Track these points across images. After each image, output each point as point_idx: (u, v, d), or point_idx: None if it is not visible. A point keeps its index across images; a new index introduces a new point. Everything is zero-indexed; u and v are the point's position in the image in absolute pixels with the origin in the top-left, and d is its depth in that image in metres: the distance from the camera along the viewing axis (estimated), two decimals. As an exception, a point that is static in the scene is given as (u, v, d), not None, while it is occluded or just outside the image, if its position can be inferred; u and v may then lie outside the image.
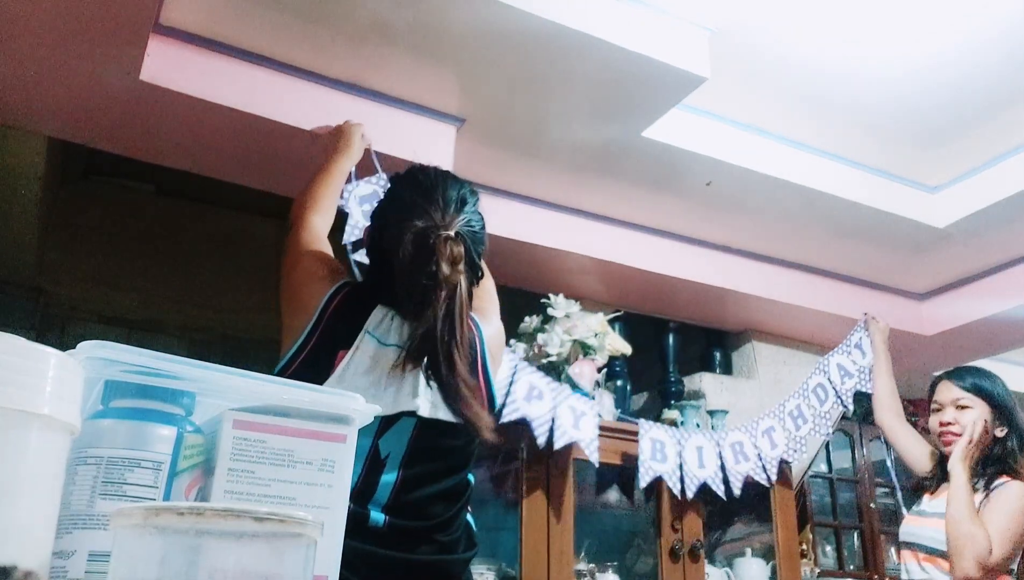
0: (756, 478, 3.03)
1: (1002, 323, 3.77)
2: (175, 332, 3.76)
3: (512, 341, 3.12)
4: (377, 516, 1.40)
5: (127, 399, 0.67)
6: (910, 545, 2.49)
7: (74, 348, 0.62)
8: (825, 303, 3.71)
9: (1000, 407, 2.45)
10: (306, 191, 1.85)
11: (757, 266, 3.59)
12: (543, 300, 3.11)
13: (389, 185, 1.66)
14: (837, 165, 3.13)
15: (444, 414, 1.45)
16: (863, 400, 3.32)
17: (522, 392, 2.61)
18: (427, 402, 1.45)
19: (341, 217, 2.11)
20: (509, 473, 2.79)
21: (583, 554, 2.92)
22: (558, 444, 2.62)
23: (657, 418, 3.38)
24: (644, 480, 2.79)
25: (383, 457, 1.42)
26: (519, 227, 3.08)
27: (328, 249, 1.69)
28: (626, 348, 3.19)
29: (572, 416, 2.69)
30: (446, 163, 2.60)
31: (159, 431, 0.67)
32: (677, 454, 2.86)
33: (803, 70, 2.66)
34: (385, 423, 1.43)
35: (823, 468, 4.42)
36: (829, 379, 3.23)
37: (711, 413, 3.45)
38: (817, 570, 3.83)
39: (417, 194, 1.53)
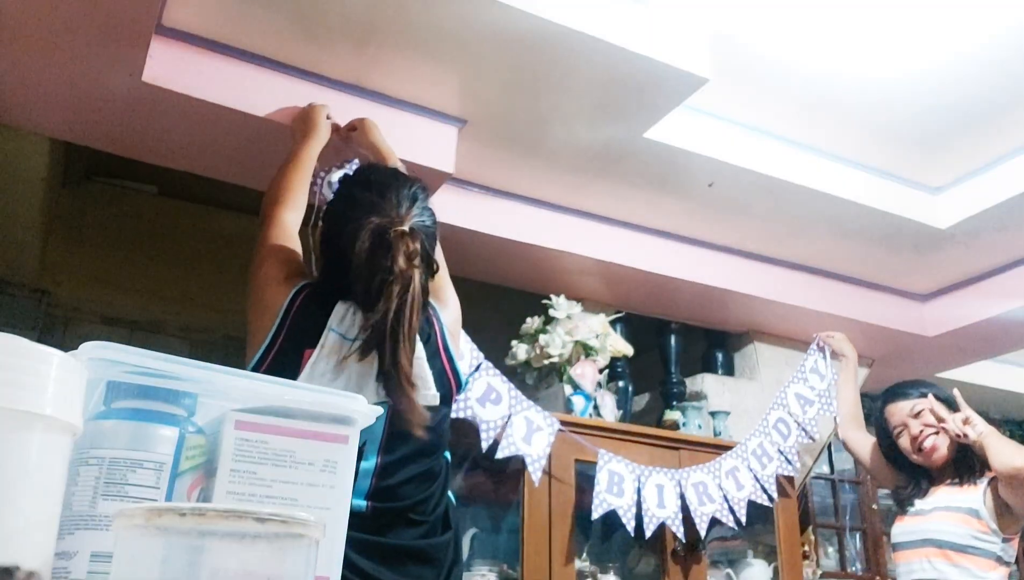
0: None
1: (1004, 324, 3.76)
2: (177, 333, 3.77)
3: (514, 342, 3.13)
4: (359, 503, 1.44)
5: (129, 400, 0.67)
6: (927, 542, 2.45)
7: (76, 349, 0.62)
8: (827, 304, 3.70)
9: (943, 398, 2.54)
10: (275, 183, 1.89)
11: (759, 267, 3.59)
12: (544, 301, 3.11)
13: (339, 186, 1.69)
14: (839, 166, 3.13)
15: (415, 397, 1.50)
16: (865, 402, 3.32)
17: (477, 393, 2.54)
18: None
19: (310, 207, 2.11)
20: (510, 474, 2.79)
21: (585, 555, 2.91)
22: (500, 454, 2.52)
23: (659, 419, 3.38)
24: (596, 512, 2.64)
25: (360, 445, 1.44)
26: (521, 228, 3.08)
27: (296, 245, 1.72)
28: (628, 349, 3.18)
29: (526, 428, 2.59)
30: (448, 164, 2.61)
31: (161, 432, 0.67)
32: (635, 490, 2.73)
33: (805, 71, 2.66)
34: None
35: (825, 469, 4.42)
36: (789, 412, 3.21)
37: (713, 414, 3.44)
38: (819, 572, 3.83)
39: (372, 192, 1.57)
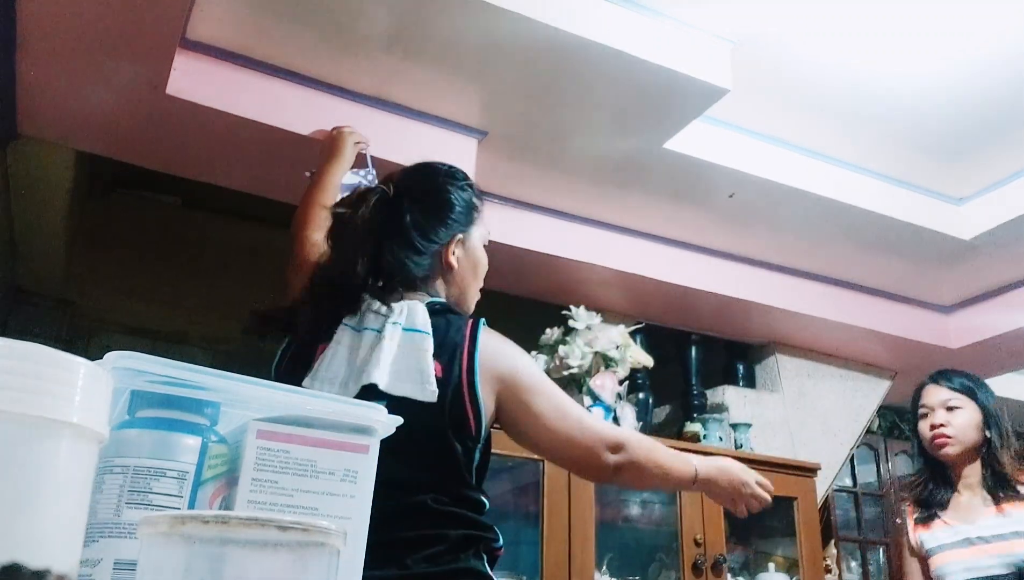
0: None
1: (1030, 336, 3.72)
2: (199, 343, 3.80)
3: (533, 353, 3.12)
4: None
5: (153, 409, 0.68)
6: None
7: (100, 359, 0.63)
8: (850, 316, 3.68)
9: (986, 408, 2.42)
10: (301, 207, 2.00)
11: (780, 278, 3.57)
12: (564, 312, 3.11)
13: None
14: (861, 176, 3.11)
15: (411, 389, 1.36)
16: (888, 415, 3.29)
17: None
18: (386, 376, 1.37)
19: None
20: (530, 486, 2.78)
21: (604, 568, 2.90)
22: None
23: (679, 432, 3.36)
24: None
25: None
26: (540, 239, 3.08)
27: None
28: (648, 360, 3.18)
29: None
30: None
31: (184, 441, 0.67)
32: None
33: (826, 81, 2.65)
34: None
35: (848, 482, 4.38)
36: None
37: (734, 426, 3.42)
38: (842, 586, 3.79)
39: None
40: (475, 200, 1.62)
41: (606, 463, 1.47)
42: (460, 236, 1.57)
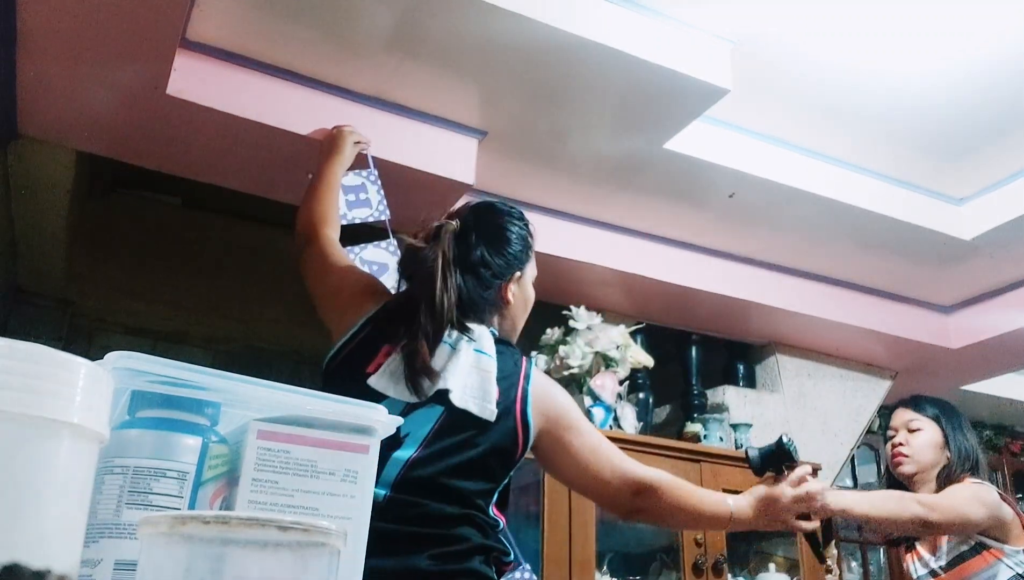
0: None
1: (1030, 336, 3.72)
2: (200, 343, 3.80)
3: (534, 353, 3.12)
4: (378, 491, 1.35)
5: (153, 409, 0.68)
6: None
7: (100, 359, 0.63)
8: (850, 316, 3.68)
9: (948, 431, 2.53)
10: (309, 204, 1.99)
11: (781, 278, 3.57)
12: (565, 312, 3.11)
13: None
14: (861, 177, 3.11)
15: (474, 406, 1.45)
16: (888, 415, 3.28)
17: None
18: (458, 389, 1.46)
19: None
20: (531, 485, 2.78)
21: (605, 568, 2.90)
22: None
23: (679, 432, 3.36)
24: None
25: (402, 435, 1.41)
26: (541, 239, 3.04)
27: (347, 260, 1.80)
28: (648, 361, 3.17)
29: None
30: (468, 175, 2.62)
31: (185, 441, 0.67)
32: None
33: (826, 81, 2.65)
34: (410, 406, 1.43)
35: (848, 482, 4.38)
36: None
37: (734, 426, 3.42)
38: (842, 586, 3.79)
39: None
40: (530, 239, 1.75)
41: (630, 505, 1.63)
42: (519, 273, 1.69)
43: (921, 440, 2.52)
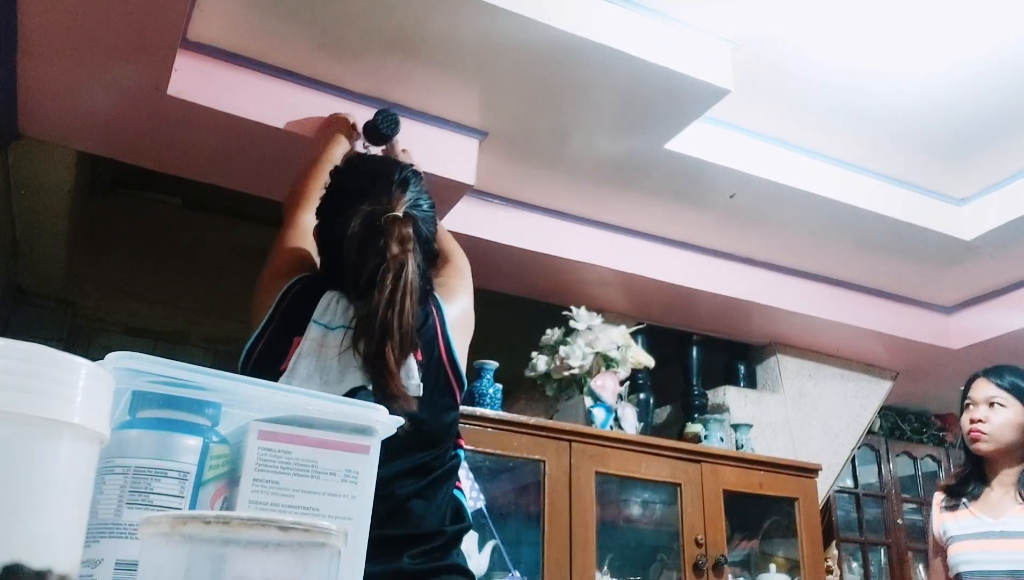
0: None
1: (1031, 337, 3.72)
2: (200, 343, 3.80)
3: (534, 353, 3.12)
4: None
5: (154, 409, 0.68)
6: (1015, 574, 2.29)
7: (101, 359, 0.63)
8: (851, 316, 3.68)
9: None
10: (294, 186, 1.91)
11: (781, 279, 3.57)
12: (565, 312, 3.11)
13: (329, 178, 1.66)
14: (862, 177, 3.11)
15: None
16: (889, 415, 3.29)
17: None
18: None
19: None
20: (531, 486, 2.78)
21: (606, 568, 2.90)
22: None
23: (680, 432, 3.36)
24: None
25: None
26: (541, 240, 3.08)
27: (309, 245, 1.71)
28: (649, 361, 3.18)
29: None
30: (469, 176, 2.62)
31: (185, 441, 0.67)
32: None
33: (827, 81, 2.65)
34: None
35: (849, 483, 4.38)
36: None
37: (735, 427, 3.42)
38: (843, 586, 3.79)
39: (361, 181, 1.56)
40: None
41: None
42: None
43: (1002, 418, 2.39)
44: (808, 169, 3.00)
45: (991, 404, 2.42)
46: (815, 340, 3.83)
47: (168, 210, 3.70)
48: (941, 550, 2.48)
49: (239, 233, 3.74)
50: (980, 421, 2.41)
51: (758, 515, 3.29)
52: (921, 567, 4.26)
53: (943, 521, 2.47)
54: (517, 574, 1.65)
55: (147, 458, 0.66)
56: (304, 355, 1.45)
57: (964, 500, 2.45)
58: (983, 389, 2.46)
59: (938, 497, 2.54)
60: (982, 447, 2.40)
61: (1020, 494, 2.35)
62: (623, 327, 3.16)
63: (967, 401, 2.50)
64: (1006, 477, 2.41)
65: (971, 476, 2.48)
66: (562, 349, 3.02)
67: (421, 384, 1.45)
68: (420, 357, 1.48)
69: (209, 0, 2.15)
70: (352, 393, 1.41)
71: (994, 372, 2.49)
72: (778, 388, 3.81)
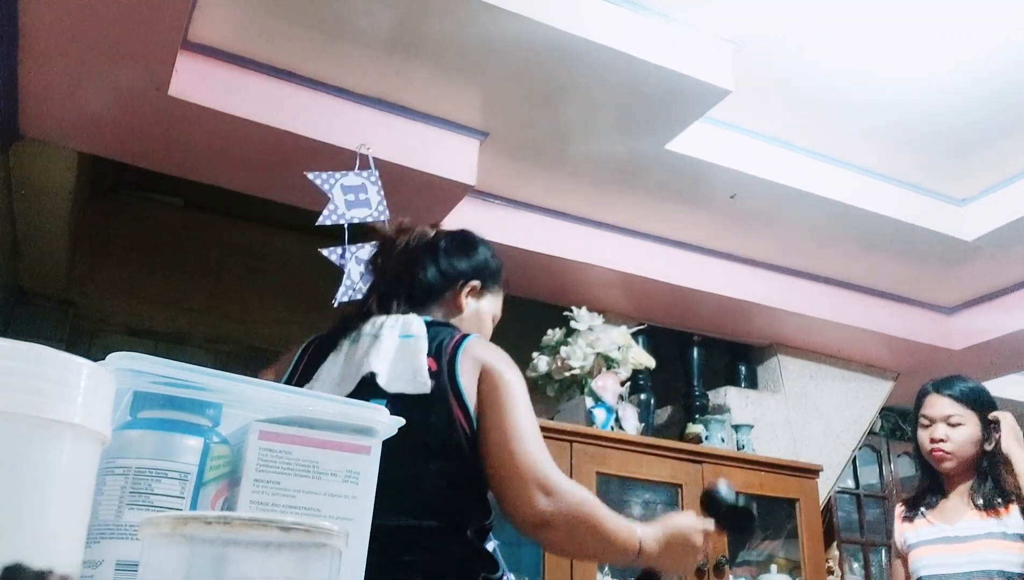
0: None
1: (1032, 337, 3.72)
2: (201, 344, 3.80)
3: (535, 354, 3.12)
4: None
5: (155, 410, 0.68)
6: (982, 574, 2.30)
7: (102, 360, 0.63)
8: (852, 317, 3.67)
9: (986, 423, 2.41)
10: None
11: (782, 279, 3.57)
12: (566, 313, 3.11)
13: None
14: (863, 177, 3.11)
15: (406, 385, 1.37)
16: (890, 416, 3.29)
17: None
18: (385, 374, 1.39)
19: (338, 228, 2.19)
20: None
21: (606, 568, 2.90)
22: None
23: (681, 433, 3.36)
24: None
25: None
26: (542, 240, 3.08)
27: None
28: (650, 361, 3.17)
29: None
30: (469, 176, 2.61)
31: (186, 442, 0.67)
32: None
33: (828, 82, 2.65)
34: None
35: (850, 484, 4.38)
36: None
37: (736, 427, 3.42)
38: (844, 587, 3.78)
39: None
40: (502, 271, 1.68)
41: (537, 509, 1.34)
42: (477, 284, 1.61)
43: (963, 436, 2.38)
44: (809, 170, 3.00)
45: (950, 423, 2.41)
46: (816, 341, 3.82)
47: (169, 211, 3.70)
48: (902, 556, 2.52)
49: (240, 233, 3.75)
50: (942, 440, 2.41)
51: (759, 516, 3.28)
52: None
53: (903, 531, 2.51)
54: (511, 576, 1.58)
55: (148, 458, 0.66)
56: (320, 377, 1.47)
57: (922, 510, 2.49)
58: (939, 406, 2.45)
59: (899, 509, 2.58)
60: (946, 466, 2.42)
61: (974, 501, 2.39)
62: (624, 328, 3.16)
63: (923, 418, 2.48)
64: (962, 487, 2.45)
65: (928, 489, 2.52)
66: (563, 349, 3.01)
67: (429, 382, 1.38)
68: (433, 365, 1.41)
69: (209, 1, 2.15)
70: (363, 383, 1.39)
71: (945, 385, 2.49)
72: (779, 389, 3.81)
